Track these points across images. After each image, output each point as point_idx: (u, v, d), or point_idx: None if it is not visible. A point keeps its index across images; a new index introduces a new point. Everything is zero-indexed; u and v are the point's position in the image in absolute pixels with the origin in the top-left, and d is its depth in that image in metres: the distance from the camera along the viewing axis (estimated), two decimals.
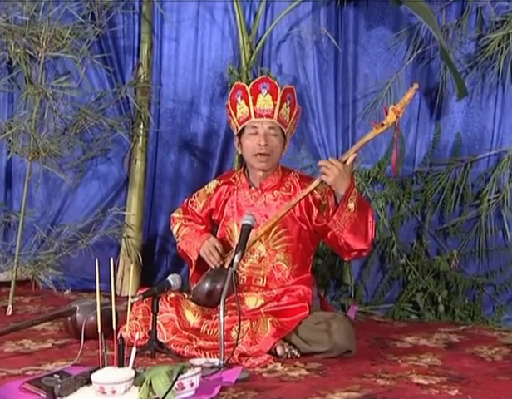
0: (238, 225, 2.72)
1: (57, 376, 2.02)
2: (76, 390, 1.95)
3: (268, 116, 2.75)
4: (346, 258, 2.74)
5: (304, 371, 2.34)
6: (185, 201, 3.00)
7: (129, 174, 3.94)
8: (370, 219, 2.61)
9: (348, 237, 2.58)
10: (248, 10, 3.85)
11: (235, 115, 2.81)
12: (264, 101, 2.75)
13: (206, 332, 2.57)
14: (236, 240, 2.66)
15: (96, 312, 2.04)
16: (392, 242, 3.54)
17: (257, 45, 3.77)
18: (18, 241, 3.41)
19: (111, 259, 2.06)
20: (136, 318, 2.60)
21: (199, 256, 2.78)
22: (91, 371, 1.94)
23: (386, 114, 2.55)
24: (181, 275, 2.74)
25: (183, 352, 2.47)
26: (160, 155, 4.02)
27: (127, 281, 3.79)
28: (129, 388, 1.90)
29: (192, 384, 1.93)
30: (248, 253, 2.72)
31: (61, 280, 3.56)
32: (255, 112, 2.75)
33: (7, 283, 3.53)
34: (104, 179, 4.03)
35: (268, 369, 2.35)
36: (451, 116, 3.63)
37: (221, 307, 2.30)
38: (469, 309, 3.43)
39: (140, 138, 3.88)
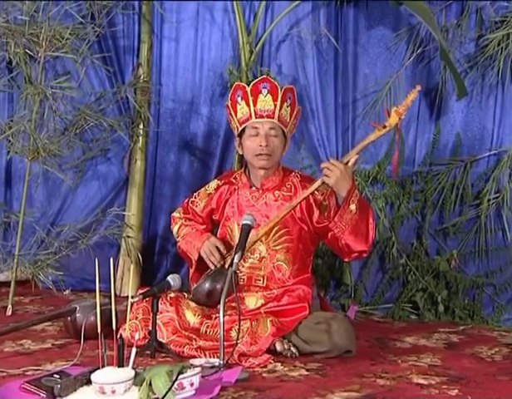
0: (238, 225, 2.72)
1: (57, 377, 2.02)
2: (75, 390, 1.95)
3: (268, 117, 2.74)
4: (346, 259, 2.74)
5: (304, 371, 2.34)
6: (186, 201, 3.00)
7: (129, 174, 3.94)
8: (371, 220, 2.61)
9: (349, 238, 2.58)
10: (248, 10, 3.85)
11: (235, 115, 2.81)
12: (265, 102, 2.75)
13: (206, 332, 2.57)
14: (236, 240, 2.66)
15: (96, 312, 2.04)
16: (392, 242, 3.54)
17: (257, 45, 3.77)
18: (18, 241, 3.41)
19: (111, 259, 2.06)
20: (136, 318, 2.60)
21: (200, 256, 2.78)
22: (91, 372, 1.94)
23: (389, 115, 2.55)
24: (181, 275, 2.74)
25: (183, 351, 2.47)
26: (159, 154, 4.02)
27: (127, 281, 3.79)
28: (129, 388, 1.90)
29: (192, 384, 1.93)
30: (249, 254, 2.72)
31: (60, 280, 3.56)
32: (256, 113, 2.75)
33: (6, 283, 3.53)
34: (104, 179, 4.03)
35: (268, 369, 2.35)
36: (451, 116, 3.63)
37: (221, 307, 2.29)
38: (469, 309, 3.43)
39: (140, 138, 3.88)
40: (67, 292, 3.72)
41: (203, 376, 2.01)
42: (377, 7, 3.69)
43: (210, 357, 2.40)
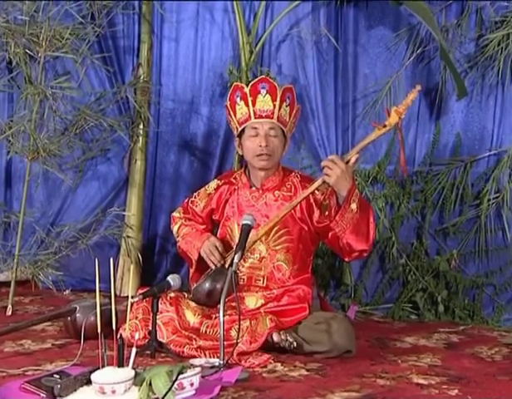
0: (238, 225, 2.72)
1: (57, 377, 2.02)
2: (75, 390, 1.95)
3: (267, 117, 2.74)
4: (346, 259, 2.74)
5: (304, 372, 2.33)
6: (186, 201, 3.00)
7: (129, 174, 3.94)
8: (371, 219, 2.62)
9: (350, 238, 2.58)
10: (248, 10, 3.85)
11: (235, 116, 2.81)
12: (264, 102, 2.75)
13: (206, 331, 2.57)
14: (236, 240, 2.66)
15: (96, 312, 2.04)
16: (392, 242, 3.54)
17: (257, 45, 3.77)
18: (18, 241, 3.41)
19: (111, 259, 2.06)
20: (136, 318, 2.60)
21: (200, 256, 2.78)
22: (91, 372, 1.94)
23: (389, 115, 2.55)
24: (181, 275, 2.74)
25: (183, 351, 2.47)
26: (159, 155, 4.02)
27: (127, 281, 3.79)
28: (129, 388, 1.90)
29: (192, 384, 1.93)
30: (249, 253, 2.72)
31: (60, 280, 3.56)
32: (255, 113, 2.75)
33: (6, 283, 3.53)
34: (104, 180, 4.03)
35: (268, 369, 2.35)
36: (451, 116, 3.63)
37: (221, 307, 2.29)
38: (469, 309, 3.43)
39: (140, 138, 3.88)
40: (67, 292, 3.72)
41: (203, 376, 2.01)
42: (377, 7, 3.69)
43: (210, 356, 2.40)
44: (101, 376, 1.90)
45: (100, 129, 3.79)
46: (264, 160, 2.74)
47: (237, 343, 2.36)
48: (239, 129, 2.80)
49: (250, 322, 2.50)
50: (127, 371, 1.92)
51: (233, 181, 2.88)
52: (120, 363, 1.97)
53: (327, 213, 2.67)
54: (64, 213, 4.04)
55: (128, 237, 3.81)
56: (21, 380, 2.04)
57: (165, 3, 3.94)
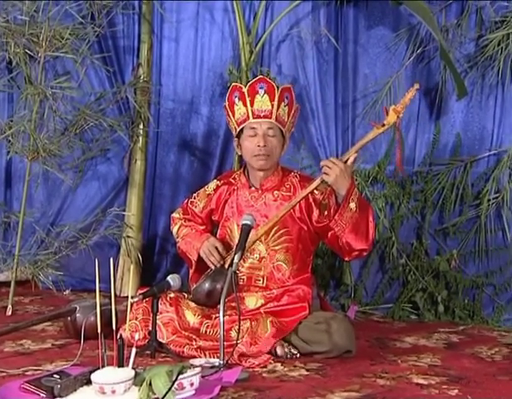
0: (238, 225, 2.72)
1: (57, 377, 2.02)
2: (75, 390, 1.95)
3: (266, 117, 2.74)
4: (346, 259, 2.74)
5: (304, 371, 2.34)
6: (185, 201, 3.00)
7: (129, 174, 3.94)
8: (370, 218, 2.62)
9: (350, 237, 2.58)
10: (248, 10, 3.85)
11: (233, 116, 2.81)
12: (262, 102, 2.75)
13: (206, 332, 2.57)
14: (236, 240, 2.66)
15: (96, 313, 2.04)
16: (392, 242, 3.54)
17: (257, 45, 3.77)
18: (18, 241, 3.41)
19: (111, 259, 2.06)
20: (136, 318, 2.60)
21: (199, 256, 2.78)
22: (91, 372, 1.94)
23: (387, 114, 2.55)
24: (181, 275, 2.74)
25: (183, 352, 2.47)
26: (159, 155, 4.02)
27: (127, 281, 3.79)
28: (129, 388, 1.90)
29: (192, 384, 1.93)
30: (248, 254, 2.72)
31: (60, 280, 3.56)
32: (253, 113, 2.75)
33: (6, 283, 3.53)
34: (104, 180, 4.03)
35: (268, 369, 2.35)
36: (451, 116, 3.63)
37: (221, 307, 2.30)
38: (468, 309, 3.43)
39: (140, 138, 3.88)
40: (67, 292, 3.72)
41: (203, 376, 2.01)
42: (377, 7, 3.69)
43: (210, 357, 2.40)
44: (101, 376, 1.90)
45: (100, 129, 3.79)
46: (262, 160, 2.74)
47: (236, 344, 2.36)
48: (238, 129, 2.80)
49: (251, 324, 2.50)
50: (127, 372, 1.92)
51: (233, 181, 2.88)
52: (120, 363, 1.98)
53: (326, 212, 2.67)
54: (64, 213, 4.04)
55: (128, 237, 3.81)
56: (21, 380, 2.04)
57: (165, 3, 3.94)
